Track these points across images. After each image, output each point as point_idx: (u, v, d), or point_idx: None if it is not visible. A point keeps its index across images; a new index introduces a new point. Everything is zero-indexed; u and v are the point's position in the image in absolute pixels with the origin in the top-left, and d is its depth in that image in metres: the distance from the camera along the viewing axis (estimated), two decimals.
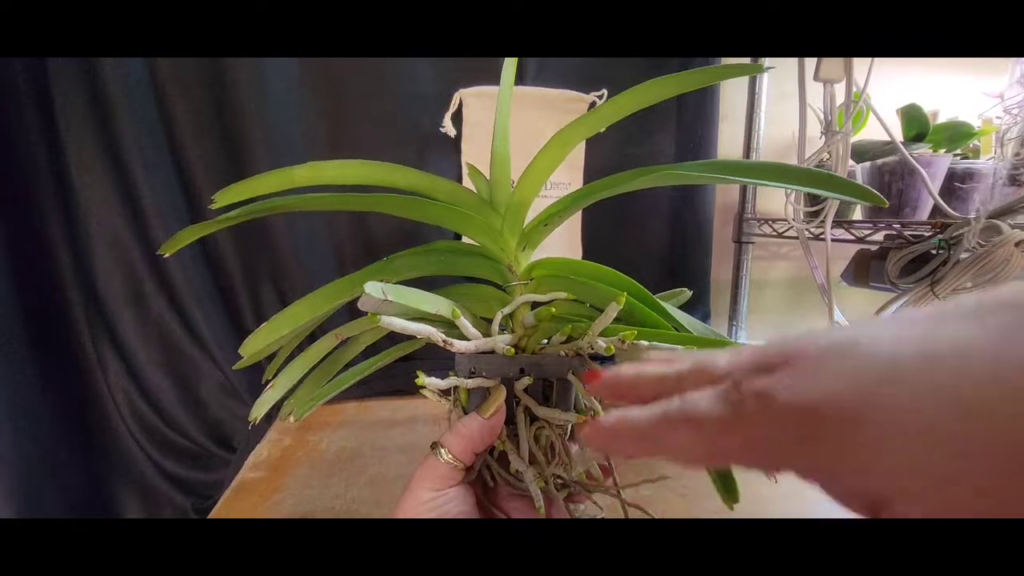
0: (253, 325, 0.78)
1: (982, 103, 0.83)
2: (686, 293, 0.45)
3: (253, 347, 0.36)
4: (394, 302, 0.30)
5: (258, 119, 0.70)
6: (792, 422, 0.15)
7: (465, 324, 0.33)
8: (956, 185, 0.72)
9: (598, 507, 0.34)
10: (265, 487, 0.53)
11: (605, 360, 0.32)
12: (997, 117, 0.80)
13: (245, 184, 0.34)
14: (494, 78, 0.32)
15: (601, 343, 0.31)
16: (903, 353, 0.13)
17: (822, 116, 0.74)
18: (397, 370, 0.80)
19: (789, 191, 0.75)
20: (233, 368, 0.39)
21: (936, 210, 0.65)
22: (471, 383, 0.33)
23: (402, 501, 0.29)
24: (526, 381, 0.33)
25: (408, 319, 0.30)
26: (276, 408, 0.74)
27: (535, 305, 0.36)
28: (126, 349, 0.72)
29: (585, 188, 0.34)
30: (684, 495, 0.49)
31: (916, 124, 0.72)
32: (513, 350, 0.33)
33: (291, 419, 0.41)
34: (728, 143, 0.88)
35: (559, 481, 0.33)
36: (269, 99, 0.70)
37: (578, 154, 0.80)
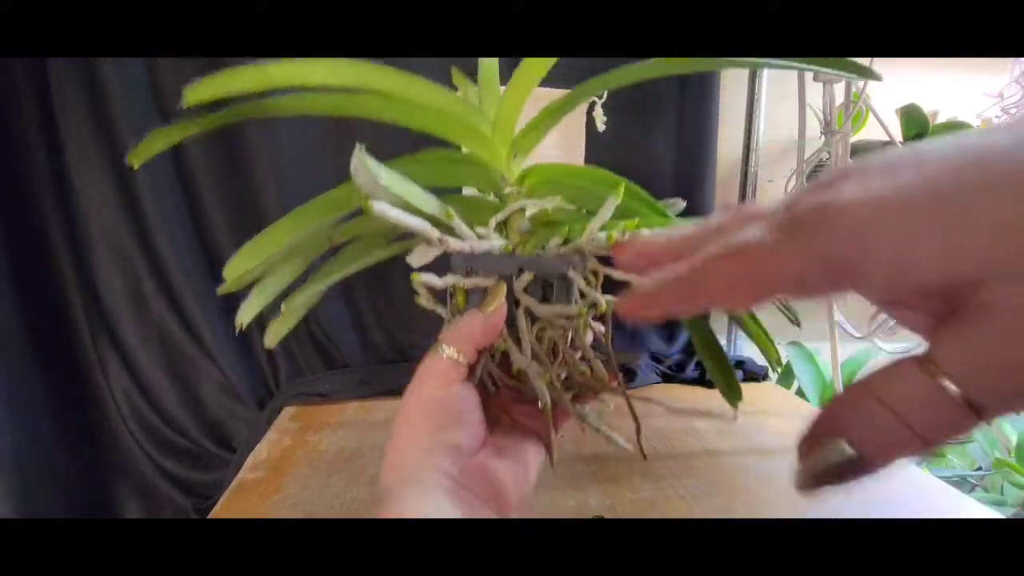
0: (253, 326, 0.78)
1: (981, 103, 0.83)
2: (681, 203, 0.45)
3: (235, 270, 0.34)
4: (386, 187, 0.28)
5: (258, 120, 0.70)
6: (864, 219, 0.14)
7: (460, 225, 0.32)
8: None
9: (605, 405, 0.34)
10: (265, 487, 0.53)
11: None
12: (996, 116, 0.80)
13: (217, 79, 0.31)
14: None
15: (601, 236, 0.30)
16: (970, 145, 0.13)
17: (822, 116, 0.74)
18: (398, 370, 0.81)
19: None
20: (218, 292, 0.37)
21: None
22: (468, 282, 0.32)
23: (405, 401, 0.28)
24: (526, 278, 0.32)
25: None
26: (276, 409, 0.74)
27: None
28: (126, 349, 0.72)
29: (576, 88, 0.33)
30: (684, 497, 0.49)
31: (915, 124, 0.72)
32: (511, 247, 0.33)
33: (276, 333, 0.39)
34: (727, 143, 0.88)
35: (564, 382, 0.32)
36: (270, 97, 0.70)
37: (578, 152, 0.80)
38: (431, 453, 0.26)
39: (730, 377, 0.36)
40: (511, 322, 0.32)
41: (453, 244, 0.30)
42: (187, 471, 0.76)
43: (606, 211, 0.30)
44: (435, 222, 0.31)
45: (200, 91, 0.31)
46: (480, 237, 0.33)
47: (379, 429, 0.66)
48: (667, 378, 0.81)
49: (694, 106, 0.82)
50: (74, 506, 0.71)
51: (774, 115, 0.88)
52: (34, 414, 0.68)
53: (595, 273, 0.33)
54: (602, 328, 0.33)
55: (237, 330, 0.37)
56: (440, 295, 0.34)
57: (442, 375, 0.28)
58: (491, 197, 0.38)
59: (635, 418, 0.32)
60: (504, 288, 0.31)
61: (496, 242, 0.33)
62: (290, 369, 0.79)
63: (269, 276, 0.37)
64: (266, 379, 0.79)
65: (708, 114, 0.83)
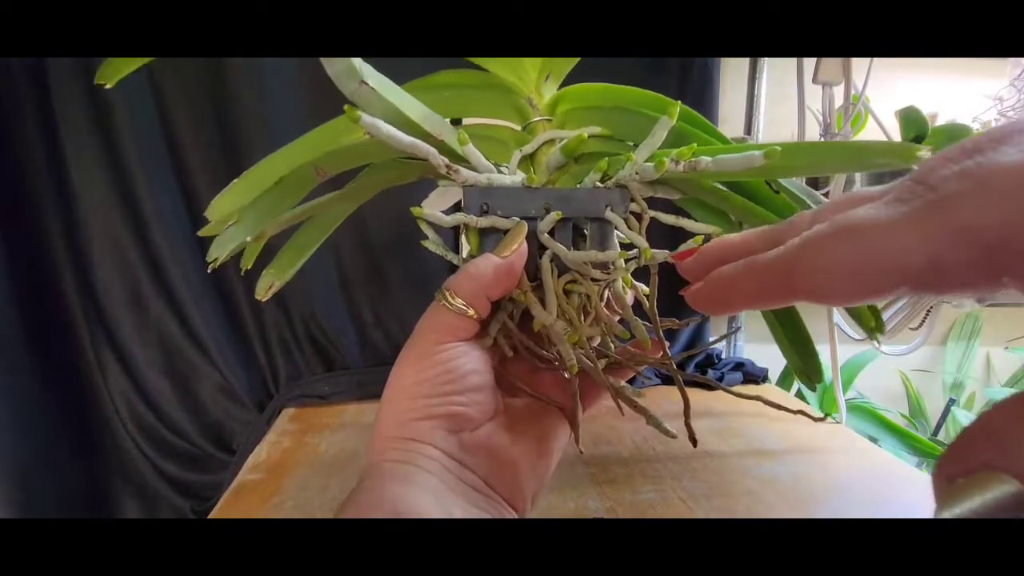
0: (253, 328, 0.78)
1: (980, 105, 0.84)
2: (748, 139, 0.40)
3: (221, 208, 0.29)
4: (377, 92, 0.23)
5: (257, 120, 0.70)
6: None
7: (474, 153, 0.26)
8: None
9: (644, 378, 0.29)
10: (264, 489, 0.53)
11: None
12: (995, 119, 0.80)
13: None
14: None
15: (648, 167, 0.24)
16: None
17: (821, 118, 0.74)
18: None
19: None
20: (198, 233, 0.32)
21: None
22: (483, 221, 0.26)
23: (400, 359, 0.24)
24: (553, 218, 0.26)
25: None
26: (276, 411, 0.74)
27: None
28: (125, 351, 0.72)
29: None
30: (684, 499, 0.49)
31: (915, 126, 0.72)
32: (535, 178, 0.27)
33: (272, 288, 0.33)
34: None
35: (596, 349, 0.27)
36: (268, 100, 0.70)
37: None
38: (425, 423, 0.22)
39: (815, 367, 0.30)
40: (534, 272, 0.26)
41: (466, 175, 0.25)
42: (186, 473, 0.76)
43: (657, 135, 0.25)
44: (442, 149, 0.26)
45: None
46: (499, 171, 0.27)
47: None
48: (666, 379, 0.81)
49: (694, 108, 0.82)
50: (73, 508, 0.71)
51: (773, 117, 0.88)
52: (33, 416, 0.68)
53: (639, 216, 0.27)
54: (644, 287, 0.28)
55: (209, 267, 0.31)
56: (452, 240, 0.29)
57: (446, 328, 0.24)
58: (516, 127, 0.31)
59: (684, 397, 0.27)
60: (524, 228, 0.26)
61: (518, 177, 0.27)
62: (289, 370, 0.79)
63: (246, 210, 0.31)
64: (265, 381, 0.79)
65: (708, 116, 0.83)
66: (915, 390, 1.01)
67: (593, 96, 0.29)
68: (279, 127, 0.71)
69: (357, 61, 0.22)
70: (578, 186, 0.28)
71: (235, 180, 0.29)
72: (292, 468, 0.57)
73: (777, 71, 0.85)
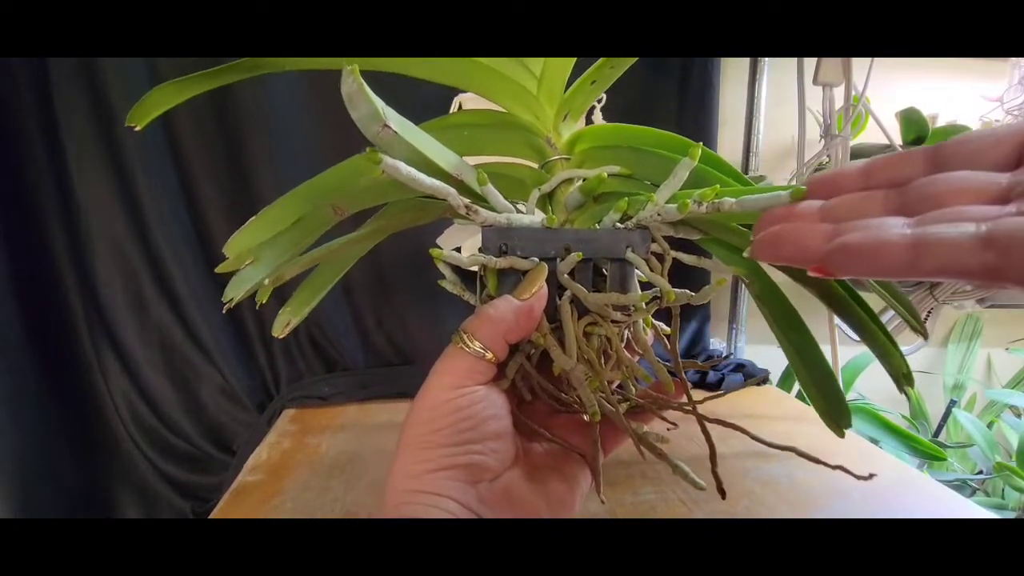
0: (254, 329, 0.78)
1: (982, 106, 0.83)
2: (767, 179, 0.39)
3: (239, 245, 0.29)
4: (399, 136, 0.23)
5: (260, 123, 0.70)
6: None
7: (493, 193, 0.26)
8: None
9: (670, 424, 0.27)
10: (264, 490, 0.53)
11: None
12: (996, 120, 0.80)
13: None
14: None
15: (671, 208, 0.24)
16: None
17: (821, 119, 0.74)
18: (399, 373, 0.80)
19: None
20: (216, 270, 0.31)
21: None
22: (502, 262, 0.25)
23: (415, 404, 0.23)
24: (573, 259, 0.25)
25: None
26: (276, 412, 0.74)
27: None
28: (126, 352, 0.72)
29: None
30: (684, 500, 0.49)
31: (915, 127, 0.72)
32: (556, 219, 0.26)
33: (289, 326, 0.33)
34: (727, 146, 0.88)
35: (618, 394, 0.27)
36: (271, 102, 0.70)
37: None
38: (441, 474, 0.21)
39: (841, 410, 0.28)
40: (553, 314, 0.26)
41: (485, 215, 0.25)
42: (186, 474, 0.76)
43: (678, 176, 0.25)
44: (461, 188, 0.25)
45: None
46: (518, 211, 0.27)
47: (379, 432, 0.66)
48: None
49: (694, 109, 0.82)
50: (73, 509, 0.71)
51: (774, 118, 0.88)
52: (34, 417, 0.68)
53: (660, 256, 0.27)
54: (664, 326, 0.28)
55: (225, 308, 0.31)
56: (469, 280, 0.28)
57: (463, 372, 0.23)
58: (534, 166, 0.31)
59: (710, 444, 0.26)
60: (544, 270, 0.25)
61: (537, 217, 0.27)
62: (290, 372, 0.79)
63: (263, 248, 0.31)
64: (266, 382, 0.79)
65: (708, 117, 0.83)
66: (916, 391, 1.01)
67: (611, 135, 0.29)
68: (282, 130, 0.71)
69: (380, 105, 0.22)
70: (598, 227, 0.27)
71: (252, 218, 0.29)
72: (292, 469, 0.57)
73: (777, 73, 0.85)
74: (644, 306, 0.26)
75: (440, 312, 0.80)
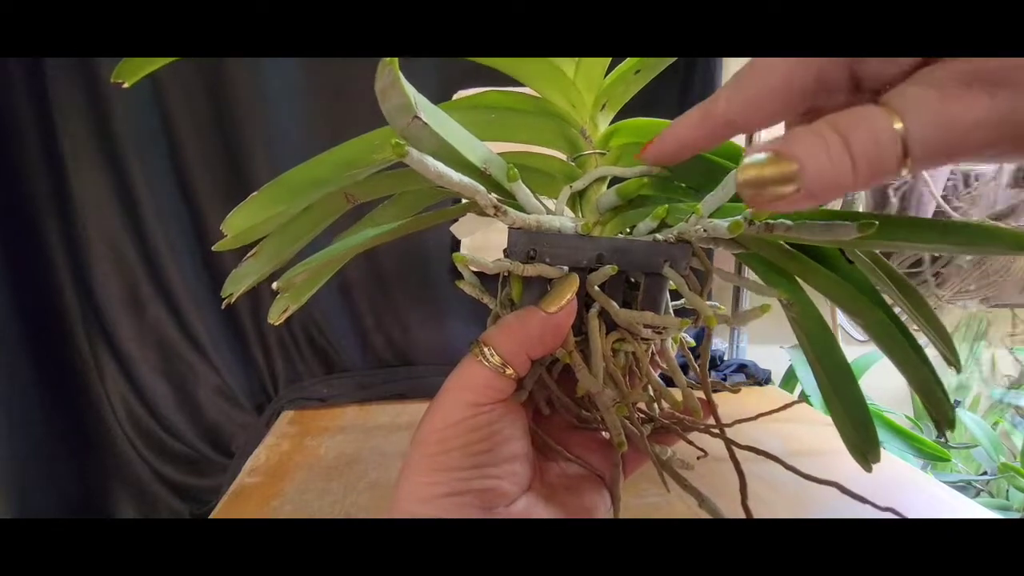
0: (252, 329, 0.78)
1: None
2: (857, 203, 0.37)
3: (239, 223, 0.27)
4: (429, 127, 0.21)
5: (257, 120, 0.70)
6: None
7: (525, 191, 0.24)
8: (959, 187, 0.72)
9: (698, 449, 0.26)
10: (263, 492, 0.53)
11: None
12: None
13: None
14: (491, 80, 0.29)
15: (720, 224, 0.22)
16: None
17: None
18: (398, 374, 0.80)
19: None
20: (213, 248, 0.29)
21: (938, 211, 0.65)
22: (530, 269, 0.23)
23: (425, 420, 0.21)
24: (607, 271, 0.23)
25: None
26: (275, 413, 0.73)
27: (613, 183, 0.26)
28: (123, 353, 0.72)
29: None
30: (689, 503, 0.49)
31: None
32: (590, 225, 0.24)
33: (287, 312, 0.31)
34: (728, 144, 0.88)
35: (641, 415, 0.25)
36: (268, 100, 0.70)
37: None
38: (455, 499, 0.20)
39: (872, 444, 0.27)
40: (578, 327, 0.24)
41: (514, 217, 0.23)
42: (184, 476, 0.76)
43: (728, 187, 0.22)
44: (488, 184, 0.24)
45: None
46: (547, 210, 0.25)
47: (378, 433, 0.66)
48: (667, 382, 0.80)
49: (697, 103, 0.82)
50: (70, 511, 0.70)
51: None
52: (30, 419, 0.67)
53: (698, 272, 0.25)
54: (689, 339, 0.26)
55: (224, 304, 0.29)
56: (490, 282, 0.26)
57: (480, 388, 0.21)
58: (563, 157, 0.29)
59: (740, 474, 0.25)
60: (575, 282, 0.23)
61: (569, 220, 0.24)
62: (288, 373, 0.79)
63: (268, 240, 0.28)
64: (264, 383, 0.79)
65: None
66: None
67: (652, 131, 0.26)
68: (280, 127, 0.71)
69: (412, 95, 0.20)
70: (633, 235, 0.25)
71: (253, 194, 0.27)
72: (291, 471, 0.57)
73: None
74: (684, 326, 0.24)
75: (440, 313, 0.79)
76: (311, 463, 0.58)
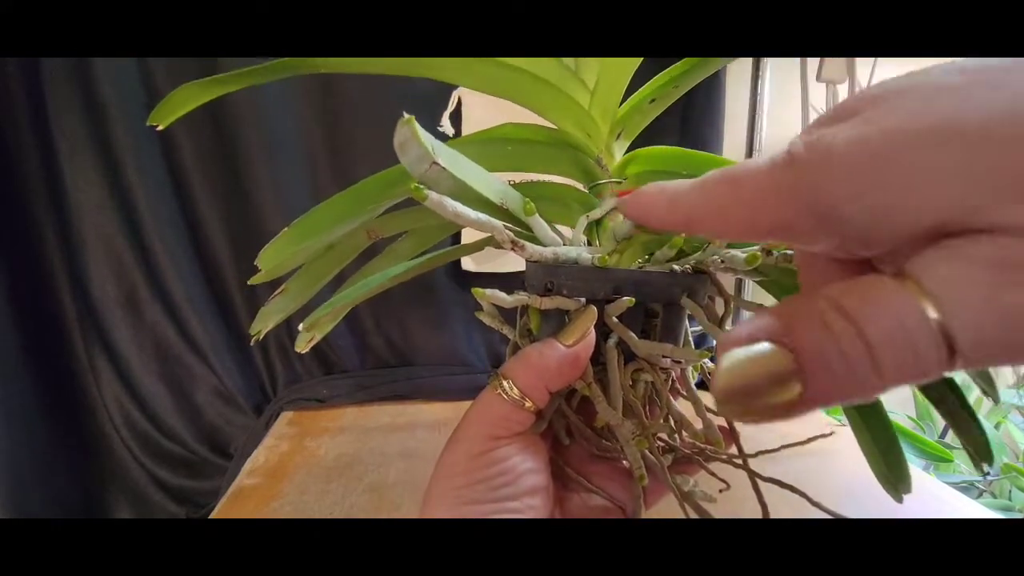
0: (249, 330, 0.77)
1: None
2: None
3: (273, 258, 0.28)
4: (447, 171, 0.22)
5: (253, 121, 0.69)
6: (855, 166, 0.12)
7: (541, 224, 0.24)
8: None
9: (720, 481, 0.26)
10: (262, 494, 0.52)
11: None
12: None
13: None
14: None
15: (738, 255, 0.22)
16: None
17: None
18: (398, 375, 0.80)
19: None
20: (248, 282, 0.31)
21: None
22: (547, 302, 0.23)
23: (446, 452, 0.21)
24: (625, 303, 0.24)
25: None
26: (274, 414, 0.73)
27: None
28: (119, 356, 0.71)
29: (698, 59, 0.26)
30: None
31: None
32: (607, 258, 0.25)
33: (312, 342, 0.32)
34: (730, 143, 0.88)
35: (661, 444, 0.25)
36: (264, 100, 0.69)
37: None
38: None
39: (901, 475, 0.27)
40: (596, 357, 0.24)
41: (531, 251, 0.23)
42: (181, 479, 0.75)
43: None
44: (506, 217, 0.24)
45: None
46: (564, 239, 0.25)
47: (378, 434, 0.65)
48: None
49: (700, 108, 0.81)
50: (66, 515, 0.70)
51: (777, 116, 0.87)
52: (26, 422, 0.66)
53: (714, 300, 0.25)
54: (711, 364, 0.26)
55: (252, 340, 0.31)
56: (508, 312, 0.26)
57: (500, 421, 0.21)
58: (581, 187, 0.29)
59: (762, 504, 0.25)
60: (593, 315, 0.23)
61: (586, 251, 0.25)
62: (287, 374, 0.78)
63: (294, 279, 0.30)
64: (263, 384, 0.78)
65: (714, 116, 0.82)
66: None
67: (667, 159, 0.27)
68: (276, 130, 0.70)
69: (430, 144, 0.21)
70: (650, 264, 0.26)
71: (284, 229, 0.28)
72: (291, 472, 0.56)
73: (780, 70, 0.84)
74: (705, 357, 0.24)
75: (439, 314, 0.79)
76: (310, 464, 0.58)
